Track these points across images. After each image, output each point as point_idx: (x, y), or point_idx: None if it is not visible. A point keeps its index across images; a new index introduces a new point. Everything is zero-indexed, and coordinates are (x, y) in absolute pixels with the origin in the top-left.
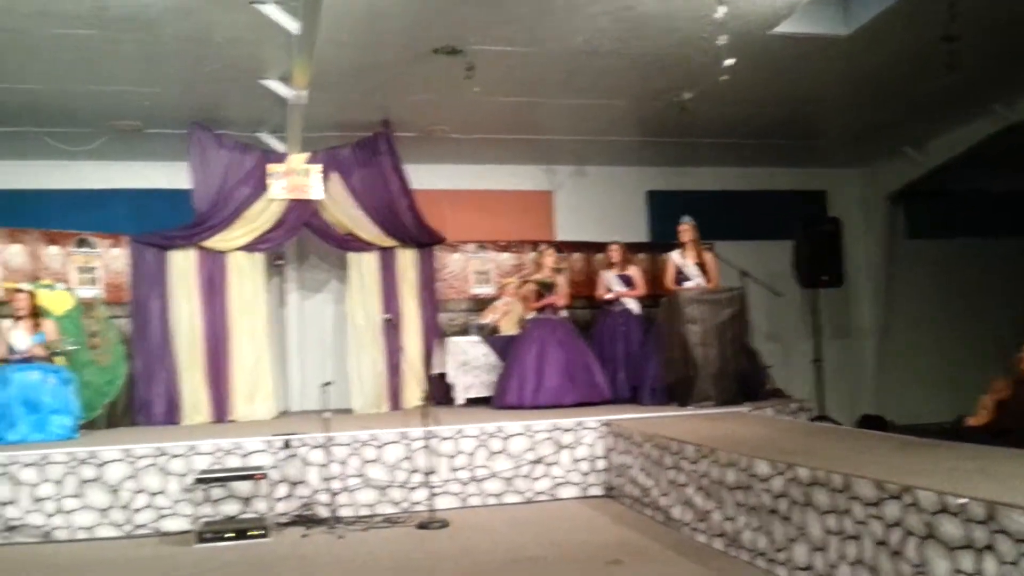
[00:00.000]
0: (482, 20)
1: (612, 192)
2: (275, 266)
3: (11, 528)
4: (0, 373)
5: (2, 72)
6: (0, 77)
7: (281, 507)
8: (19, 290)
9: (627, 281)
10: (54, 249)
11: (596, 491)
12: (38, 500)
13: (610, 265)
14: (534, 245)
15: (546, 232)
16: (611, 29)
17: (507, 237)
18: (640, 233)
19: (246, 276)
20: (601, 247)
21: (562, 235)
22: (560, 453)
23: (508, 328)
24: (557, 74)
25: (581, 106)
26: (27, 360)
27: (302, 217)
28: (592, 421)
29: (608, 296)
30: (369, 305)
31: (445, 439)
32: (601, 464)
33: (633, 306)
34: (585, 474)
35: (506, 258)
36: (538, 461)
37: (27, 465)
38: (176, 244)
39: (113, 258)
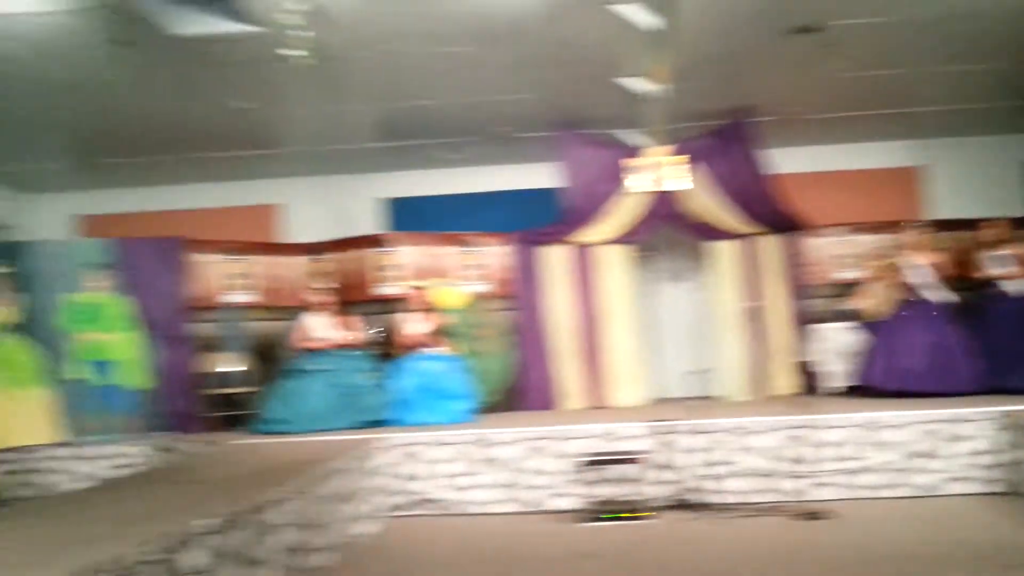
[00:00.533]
0: None
1: (988, 165)
2: (642, 257)
3: (421, 501)
4: (404, 362)
5: (399, 91)
6: (398, 96)
7: (660, 491)
8: (417, 287)
9: (1009, 261)
10: (447, 249)
11: (991, 488)
12: (444, 477)
13: (989, 244)
14: (900, 225)
15: (914, 210)
16: None
17: (870, 218)
18: (1021, 208)
19: (615, 268)
20: (977, 224)
21: (933, 213)
22: (948, 445)
23: (877, 312)
24: (924, 42)
25: (951, 73)
26: (426, 349)
27: (665, 209)
28: (988, 412)
29: (986, 277)
30: (733, 293)
31: (819, 428)
32: (998, 459)
33: (1017, 288)
34: (979, 469)
35: (870, 240)
36: (923, 453)
37: (429, 445)
38: (549, 240)
39: (497, 256)
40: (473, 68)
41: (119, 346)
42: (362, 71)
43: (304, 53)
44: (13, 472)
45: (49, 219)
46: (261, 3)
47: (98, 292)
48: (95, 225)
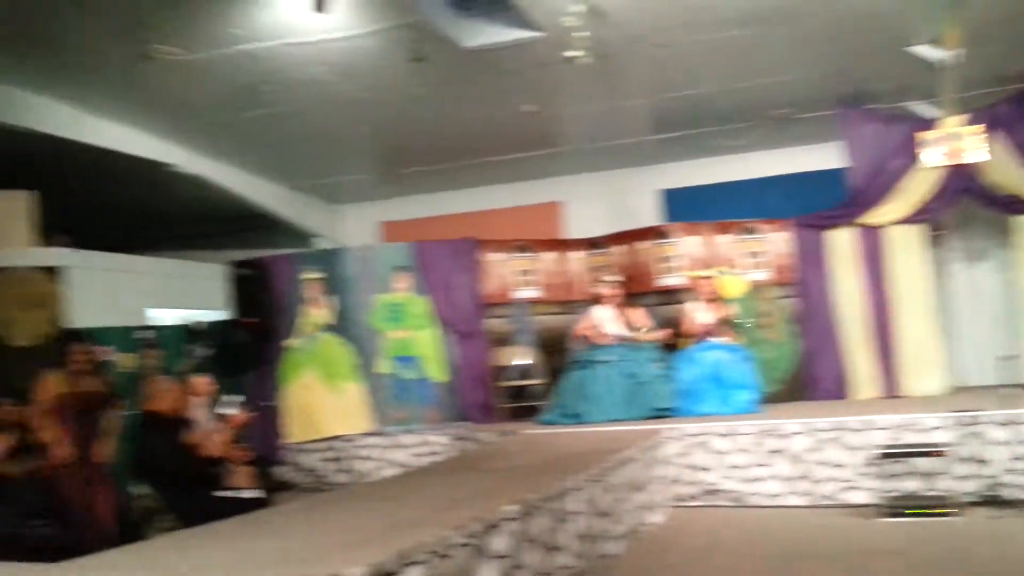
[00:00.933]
0: None
1: None
2: (935, 237)
3: (708, 492)
4: (690, 352)
5: (673, 82)
6: (672, 87)
7: (965, 486)
8: (703, 276)
9: None
10: (725, 237)
11: None
12: (730, 468)
13: None
14: None
15: None
16: None
17: None
18: None
19: (906, 249)
20: None
21: None
22: None
23: None
24: None
25: None
26: (711, 338)
27: (961, 183)
28: None
29: None
30: None
31: None
32: None
33: None
34: None
35: None
36: None
37: (719, 436)
38: (834, 223)
39: (777, 242)
40: (747, 52)
41: (422, 342)
42: (636, 65)
43: (581, 53)
44: (333, 459)
45: (355, 227)
46: (539, 9)
47: (402, 292)
48: (396, 230)
